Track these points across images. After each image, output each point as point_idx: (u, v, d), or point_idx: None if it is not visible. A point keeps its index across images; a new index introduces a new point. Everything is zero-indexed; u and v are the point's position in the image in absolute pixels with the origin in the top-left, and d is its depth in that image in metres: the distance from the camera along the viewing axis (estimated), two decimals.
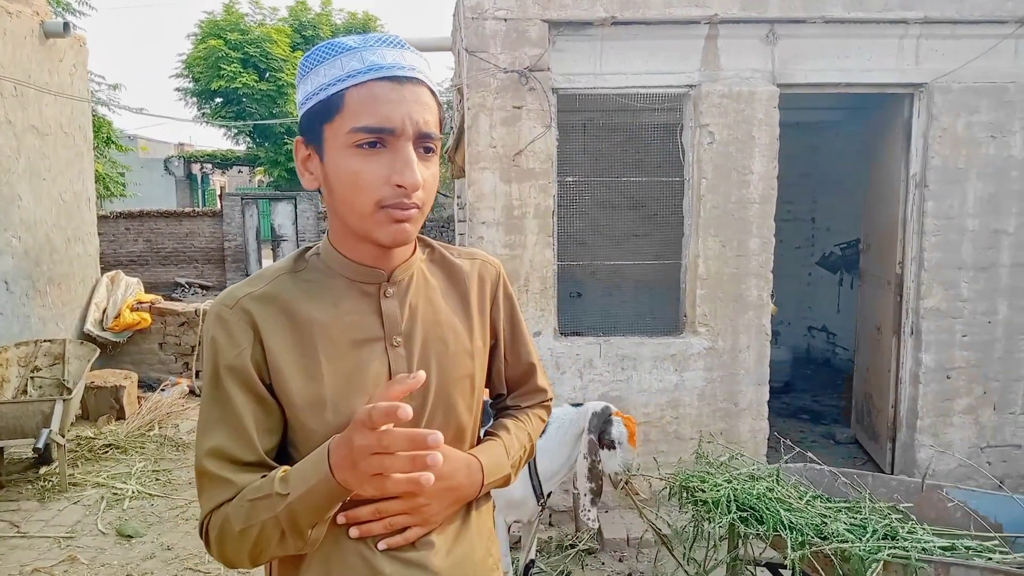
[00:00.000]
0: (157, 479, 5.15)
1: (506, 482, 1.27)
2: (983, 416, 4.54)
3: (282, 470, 1.03)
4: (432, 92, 1.09)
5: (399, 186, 1.02)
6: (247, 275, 16.28)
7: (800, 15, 4.22)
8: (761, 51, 4.30)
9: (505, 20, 4.19)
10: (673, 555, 3.50)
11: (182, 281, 16.06)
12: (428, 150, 1.07)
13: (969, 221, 4.43)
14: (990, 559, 2.66)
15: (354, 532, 1.10)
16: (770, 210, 4.36)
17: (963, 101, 4.36)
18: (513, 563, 3.58)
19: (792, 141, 6.85)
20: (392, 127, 1.02)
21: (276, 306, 1.10)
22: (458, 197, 8.27)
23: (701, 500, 3.01)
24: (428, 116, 1.05)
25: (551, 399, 1.46)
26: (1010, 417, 4.56)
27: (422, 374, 0.96)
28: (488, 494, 1.29)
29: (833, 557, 2.64)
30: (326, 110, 1.05)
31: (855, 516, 2.93)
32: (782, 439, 3.60)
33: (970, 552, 2.71)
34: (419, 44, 6.68)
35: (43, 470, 5.14)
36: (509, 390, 1.40)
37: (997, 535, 2.85)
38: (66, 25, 6.57)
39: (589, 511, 3.06)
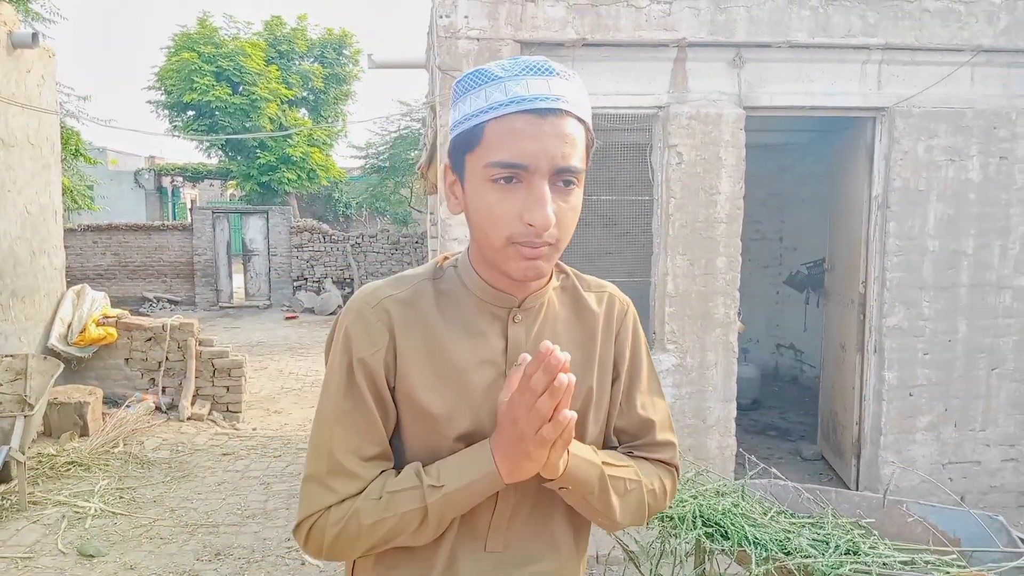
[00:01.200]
0: (121, 497, 5.05)
1: (592, 486, 1.14)
2: (944, 433, 4.64)
3: (417, 465, 1.09)
4: (580, 120, 1.04)
5: (530, 224, 1.00)
6: (216, 290, 16.19)
7: (766, 40, 4.33)
8: (728, 74, 4.40)
9: (478, 40, 4.24)
10: (640, 571, 3.51)
11: (150, 296, 15.83)
12: (568, 183, 1.03)
13: (930, 242, 4.55)
14: (947, 573, 2.72)
15: None
16: (737, 229, 4.44)
17: (923, 125, 4.50)
18: None
19: (760, 163, 6.99)
20: (526, 163, 1.00)
21: (414, 312, 1.12)
22: (431, 214, 8.29)
23: (667, 516, 3.04)
24: (567, 150, 1.01)
25: (676, 465, 1.29)
26: (970, 434, 4.66)
27: (548, 344, 0.94)
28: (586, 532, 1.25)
29: (796, 572, 2.68)
30: (468, 141, 1.04)
31: (818, 531, 2.98)
32: (747, 456, 3.65)
33: (929, 566, 2.77)
34: (394, 63, 6.72)
35: (1, 488, 5.01)
36: (621, 443, 1.27)
37: (955, 549, 2.92)
38: (34, 35, 6.49)
39: None
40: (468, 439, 1.10)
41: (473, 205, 1.06)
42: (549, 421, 0.95)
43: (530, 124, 0.99)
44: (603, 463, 1.14)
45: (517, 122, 1.00)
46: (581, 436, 1.17)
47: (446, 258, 1.21)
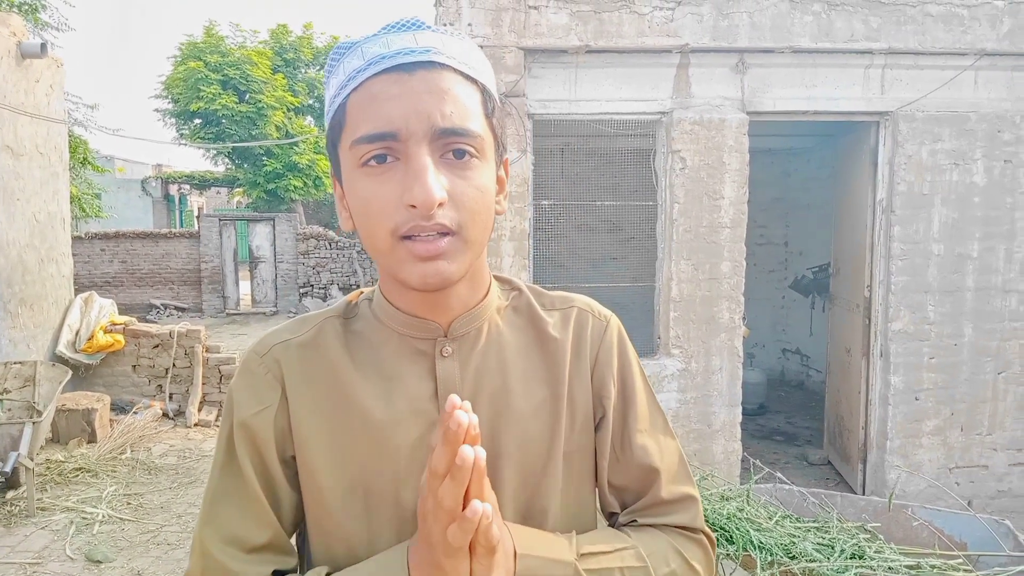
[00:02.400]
0: (128, 503, 5.07)
1: None
2: (951, 437, 4.63)
3: (322, 571, 0.85)
4: (468, 77, 0.81)
5: (411, 206, 0.76)
6: (223, 297, 16.24)
7: (769, 45, 4.34)
8: (731, 80, 4.41)
9: (481, 47, 4.26)
10: None
11: (157, 303, 15.90)
12: (460, 153, 0.79)
13: (934, 246, 4.55)
14: None
15: None
16: (741, 234, 4.44)
17: (927, 129, 4.50)
18: None
19: (765, 167, 7.00)
20: (392, 130, 0.77)
21: (315, 358, 0.90)
22: None
23: None
24: (448, 107, 0.77)
25: (703, 530, 0.96)
26: (977, 438, 4.65)
27: (456, 399, 0.68)
28: None
29: None
30: (334, 130, 0.84)
31: (823, 536, 2.97)
32: (752, 460, 3.65)
33: (935, 570, 2.76)
34: None
35: (10, 494, 5.04)
36: (623, 504, 0.97)
37: (961, 553, 2.91)
38: (43, 46, 6.56)
39: None
40: (391, 509, 0.86)
41: (353, 207, 0.83)
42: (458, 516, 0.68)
43: (393, 84, 0.78)
44: (580, 555, 0.84)
45: (376, 85, 0.78)
46: (542, 518, 0.90)
47: (361, 292, 0.98)
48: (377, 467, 0.86)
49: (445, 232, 0.78)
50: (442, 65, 0.79)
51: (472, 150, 0.79)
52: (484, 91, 0.83)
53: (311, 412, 0.88)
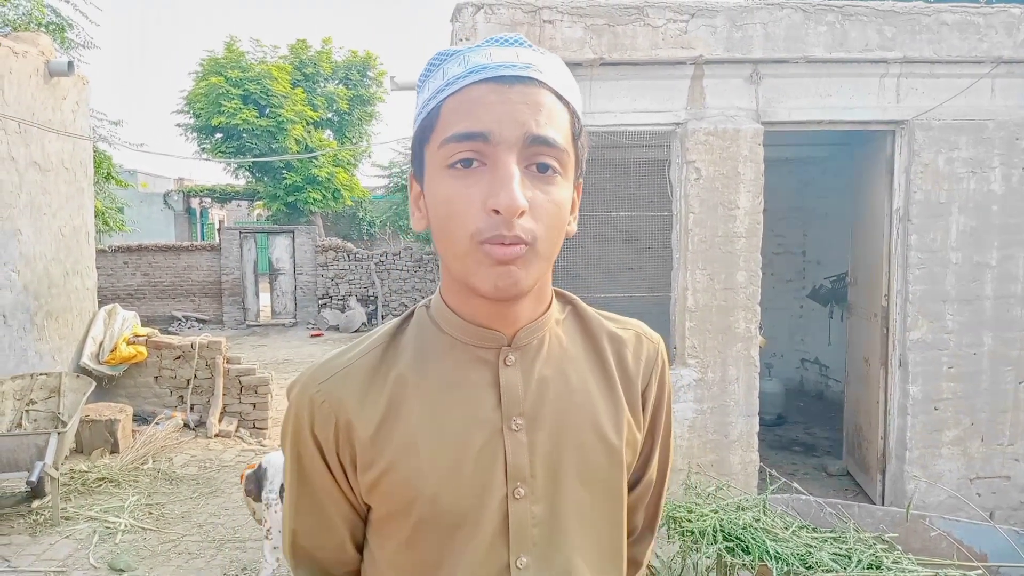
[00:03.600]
0: (150, 513, 5.14)
1: None
2: (971, 447, 4.58)
3: None
4: (560, 97, 0.84)
5: (495, 210, 0.78)
6: (244, 309, 16.40)
7: (783, 55, 4.35)
8: (745, 90, 4.43)
9: None
10: None
11: (179, 315, 16.09)
12: (544, 167, 0.81)
13: (952, 254, 4.52)
14: None
15: None
16: (756, 244, 4.45)
17: (943, 138, 4.48)
18: None
19: (782, 177, 6.99)
20: (486, 130, 0.79)
21: (368, 377, 0.91)
22: None
23: (688, 530, 3.04)
24: (541, 118, 0.80)
25: (645, 564, 1.09)
26: (998, 448, 4.59)
27: None
28: None
29: None
30: (424, 130, 0.86)
31: (840, 546, 2.96)
32: (768, 470, 3.64)
33: None
34: (416, 84, 6.84)
35: (35, 504, 5.13)
36: None
37: (981, 565, 2.88)
38: (70, 64, 6.71)
39: None
40: (455, 526, 0.88)
41: (432, 207, 0.85)
42: None
43: (492, 92, 0.80)
44: None
45: (476, 91, 0.81)
46: (612, 511, 0.94)
47: (415, 311, 0.99)
48: (442, 476, 0.87)
49: (521, 243, 0.80)
50: (540, 83, 0.82)
51: (556, 165, 0.82)
52: (573, 113, 0.86)
53: (376, 431, 0.88)
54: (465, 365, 0.90)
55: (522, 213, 0.78)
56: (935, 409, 4.55)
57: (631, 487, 1.00)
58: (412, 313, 0.97)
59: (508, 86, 0.81)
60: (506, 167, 0.79)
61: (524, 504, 0.87)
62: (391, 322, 0.97)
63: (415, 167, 0.89)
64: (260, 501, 3.54)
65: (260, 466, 3.58)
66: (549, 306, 0.94)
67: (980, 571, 2.82)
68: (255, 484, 3.54)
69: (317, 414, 0.90)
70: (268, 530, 3.51)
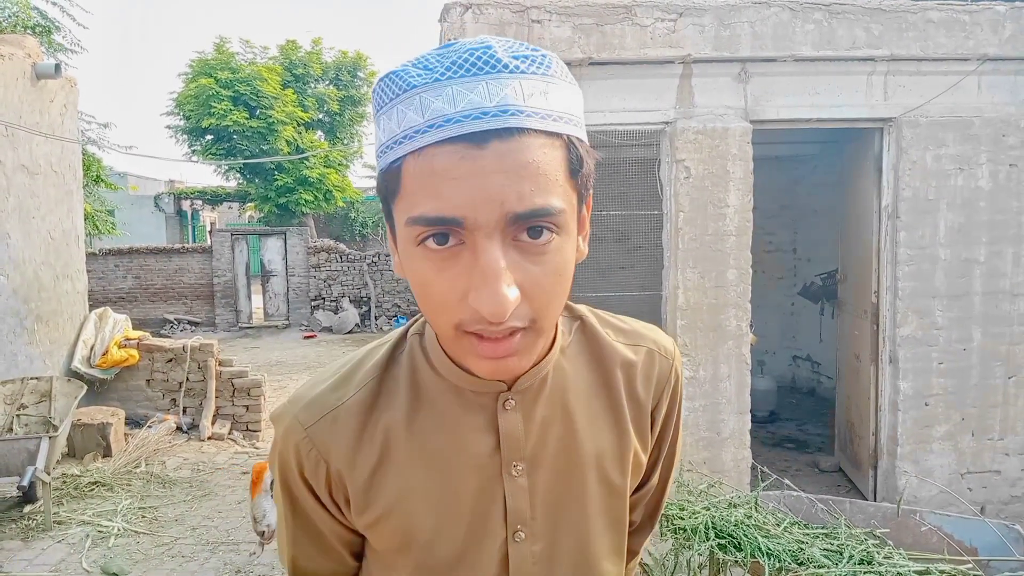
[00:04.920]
0: (143, 516, 5.13)
1: None
2: (962, 442, 4.61)
3: None
4: (550, 134, 0.68)
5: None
6: (236, 311, 16.35)
7: (771, 54, 4.37)
8: (734, 89, 4.44)
9: None
10: None
11: (171, 317, 16.04)
12: (537, 232, 0.68)
13: (941, 251, 4.55)
14: None
15: None
16: (746, 242, 4.46)
17: (931, 135, 4.51)
18: None
19: (772, 175, 7.01)
20: (457, 216, 0.66)
21: (359, 426, 0.84)
22: None
23: (680, 528, 3.05)
24: (525, 186, 0.66)
25: (638, 553, 1.08)
26: (988, 443, 4.63)
27: None
28: None
29: None
30: (386, 185, 0.72)
31: (832, 542, 2.98)
32: (760, 467, 3.65)
33: (944, 575, 2.76)
34: None
35: (27, 509, 5.11)
36: None
37: (971, 559, 2.90)
38: (57, 66, 6.68)
39: None
40: (451, 567, 0.85)
41: (409, 276, 0.74)
42: None
43: (460, 159, 0.66)
44: None
45: (439, 157, 0.66)
46: (614, 559, 0.92)
47: (408, 330, 0.91)
48: (439, 528, 0.84)
49: (517, 332, 0.70)
50: (519, 130, 0.66)
51: (551, 226, 0.69)
52: (569, 145, 0.70)
53: (368, 481, 0.84)
54: (461, 408, 0.83)
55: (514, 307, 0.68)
56: (926, 405, 4.57)
57: (633, 492, 0.97)
58: (404, 338, 0.89)
59: (479, 147, 0.65)
60: (487, 256, 0.66)
61: (524, 546, 0.85)
62: (382, 350, 0.88)
63: (385, 216, 0.77)
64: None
65: None
66: (553, 341, 0.85)
67: (970, 565, 2.84)
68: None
69: (305, 461, 0.84)
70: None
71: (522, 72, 0.68)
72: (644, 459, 0.93)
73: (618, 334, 0.92)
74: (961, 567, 2.78)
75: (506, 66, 0.67)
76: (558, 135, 0.69)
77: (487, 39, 0.70)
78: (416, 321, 0.91)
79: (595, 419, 0.88)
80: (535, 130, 0.67)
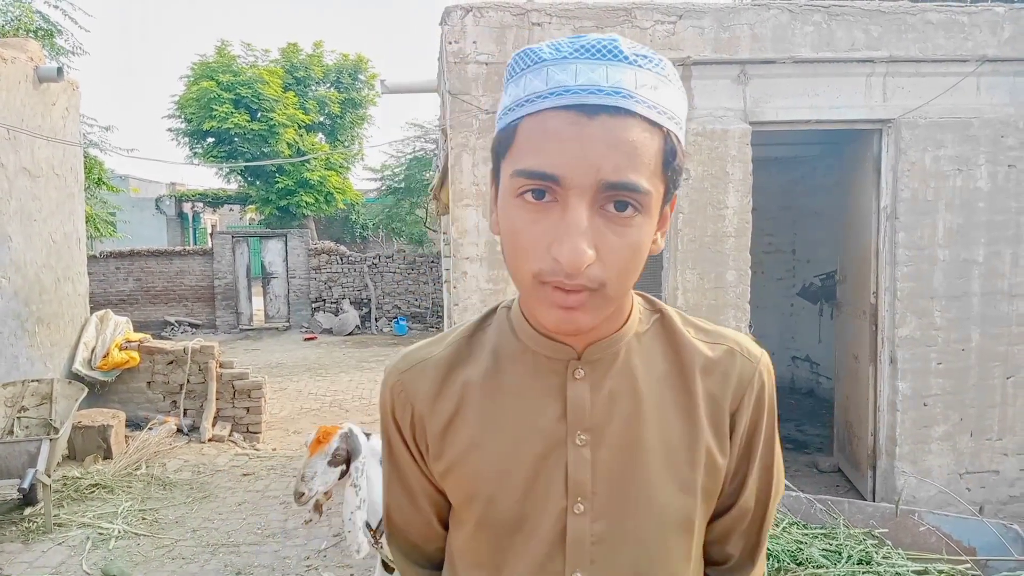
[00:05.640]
0: (144, 518, 5.13)
1: None
2: (960, 443, 4.62)
3: None
4: (654, 124, 0.76)
5: (556, 260, 0.74)
6: (237, 313, 16.37)
7: (770, 56, 4.39)
8: (733, 90, 4.46)
9: (486, 64, 4.33)
10: None
11: (172, 320, 16.06)
12: (623, 206, 0.75)
13: (940, 251, 4.56)
14: None
15: None
16: (745, 243, 4.47)
17: (930, 136, 4.52)
18: None
19: (772, 176, 7.03)
20: (557, 174, 0.73)
21: (447, 377, 0.93)
22: (444, 233, 8.38)
23: None
24: (620, 160, 0.73)
25: None
26: (987, 443, 4.63)
27: None
28: None
29: None
30: (501, 143, 0.81)
31: (831, 542, 2.99)
32: None
33: (942, 575, 2.77)
34: (406, 87, 6.85)
35: (28, 511, 5.12)
36: (708, 542, 0.97)
37: (969, 558, 2.91)
38: (59, 70, 6.70)
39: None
40: (513, 530, 0.89)
41: (502, 226, 0.81)
42: None
43: (570, 124, 0.74)
44: None
45: (552, 120, 0.74)
46: (681, 546, 0.89)
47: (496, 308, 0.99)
48: (501, 484, 0.88)
49: (585, 290, 0.76)
50: (627, 112, 0.74)
51: (636, 204, 0.75)
52: (667, 137, 0.77)
53: (443, 429, 0.92)
54: (534, 373, 0.89)
55: (588, 265, 0.74)
56: (924, 405, 4.58)
57: (721, 513, 0.94)
58: (495, 309, 0.97)
59: (589, 118, 0.73)
60: (574, 214, 0.74)
61: (583, 520, 0.86)
62: (475, 317, 0.99)
63: (494, 170, 0.84)
64: (339, 467, 3.08)
65: (351, 431, 3.13)
66: (628, 319, 0.90)
67: (968, 564, 2.85)
68: (347, 449, 3.09)
69: (397, 401, 0.95)
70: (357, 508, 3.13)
71: (639, 65, 0.75)
72: (721, 461, 0.90)
73: (699, 332, 0.94)
74: (959, 567, 2.79)
75: (626, 57, 0.75)
76: (659, 126, 0.76)
77: (617, 36, 0.78)
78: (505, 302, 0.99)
79: (665, 406, 0.88)
80: (640, 116, 0.74)
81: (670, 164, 0.78)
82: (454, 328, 0.99)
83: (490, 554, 0.91)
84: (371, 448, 3.16)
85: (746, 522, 0.95)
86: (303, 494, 2.95)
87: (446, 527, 1.01)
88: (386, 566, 3.46)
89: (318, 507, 3.18)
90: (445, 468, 0.92)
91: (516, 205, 0.77)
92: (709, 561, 0.97)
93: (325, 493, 3.11)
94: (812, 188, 7.79)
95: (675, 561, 0.89)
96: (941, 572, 2.79)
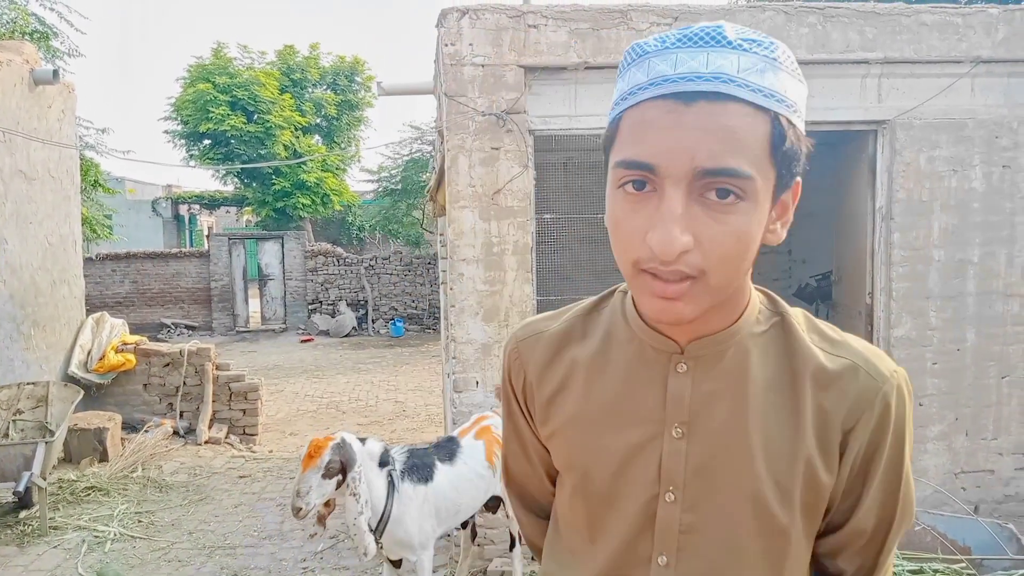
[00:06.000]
0: (139, 521, 5.13)
1: None
2: (956, 442, 4.63)
3: None
4: (757, 107, 0.74)
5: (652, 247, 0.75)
6: (233, 315, 16.36)
7: None
8: None
9: (483, 66, 4.34)
10: None
11: (168, 322, 16.03)
12: (724, 193, 0.74)
13: (935, 252, 4.57)
14: None
15: None
16: None
17: (925, 137, 4.53)
18: None
19: None
20: (652, 163, 0.74)
21: (558, 351, 0.97)
22: (441, 235, 8.38)
23: None
24: (716, 146, 0.72)
25: None
26: (982, 443, 4.64)
27: None
28: None
29: None
30: (607, 138, 0.83)
31: None
32: None
33: (938, 574, 2.77)
34: (403, 89, 6.85)
35: (23, 514, 5.11)
36: (820, 554, 0.92)
37: (964, 558, 2.92)
38: (55, 72, 6.70)
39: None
40: (605, 505, 0.91)
41: (607, 218, 0.83)
42: None
43: (667, 113, 0.74)
44: None
45: (650, 111, 0.75)
46: (772, 560, 0.87)
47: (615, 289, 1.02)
48: (596, 460, 0.91)
49: (684, 278, 0.76)
50: (727, 96, 0.73)
51: (738, 191, 0.74)
52: (775, 121, 0.75)
53: (549, 399, 0.96)
54: (640, 360, 0.90)
55: (684, 252, 0.74)
56: (920, 405, 4.59)
57: (833, 530, 0.90)
58: (613, 292, 0.99)
59: (686, 105, 0.73)
60: (669, 202, 0.74)
61: (673, 509, 0.87)
62: (594, 297, 1.01)
63: (604, 168, 0.85)
64: (334, 479, 3.06)
65: (344, 440, 3.11)
66: (740, 317, 0.87)
67: (964, 564, 2.85)
68: (341, 460, 3.06)
69: (513, 366, 1.01)
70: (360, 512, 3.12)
71: (744, 50, 0.74)
72: (825, 479, 0.85)
73: (823, 341, 0.89)
74: (954, 566, 2.80)
75: (731, 43, 0.74)
76: (765, 110, 0.74)
77: (723, 22, 0.77)
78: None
79: (769, 412, 0.85)
80: (742, 100, 0.73)
81: (779, 148, 0.76)
82: (574, 304, 1.02)
83: (586, 522, 0.94)
84: (368, 452, 3.17)
85: (861, 543, 0.90)
86: (300, 509, 2.97)
87: (554, 484, 1.06)
88: (392, 562, 3.47)
89: (321, 520, 3.19)
90: (549, 434, 0.97)
91: (618, 196, 0.79)
92: (823, 574, 0.94)
93: (326, 504, 3.12)
94: (807, 189, 7.70)
95: (762, 567, 0.87)
96: (936, 571, 2.79)
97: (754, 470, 0.84)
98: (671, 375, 0.87)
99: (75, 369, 6.96)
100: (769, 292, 0.93)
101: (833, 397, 0.84)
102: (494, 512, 3.90)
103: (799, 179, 0.83)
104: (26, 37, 8.58)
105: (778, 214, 0.83)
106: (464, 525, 3.87)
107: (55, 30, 9.86)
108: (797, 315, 0.91)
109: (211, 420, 7.27)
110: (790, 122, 0.76)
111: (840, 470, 0.85)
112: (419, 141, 18.24)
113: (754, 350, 0.87)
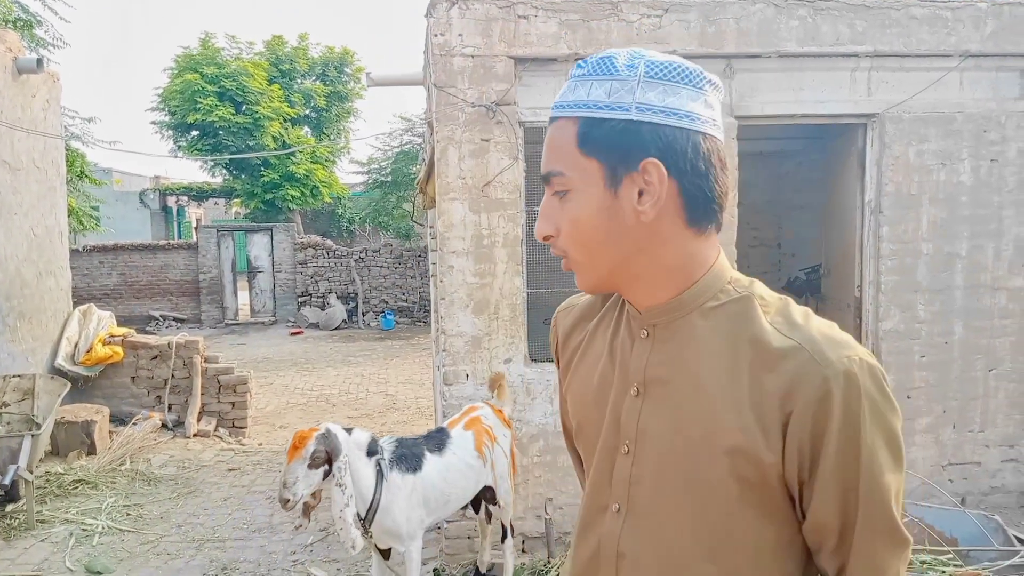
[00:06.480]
0: (128, 514, 5.10)
1: None
2: (943, 435, 4.66)
3: None
4: (569, 119, 0.92)
5: None
6: (222, 308, 16.27)
7: (756, 50, 4.39)
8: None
9: (472, 57, 4.31)
10: None
11: (156, 314, 15.93)
12: (560, 192, 0.94)
13: (923, 245, 4.59)
14: (944, 572, 2.75)
15: None
16: (731, 237, 4.49)
17: (914, 130, 4.55)
18: None
19: (757, 170, 7.04)
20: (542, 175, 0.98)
21: (581, 321, 1.14)
22: (431, 227, 8.36)
23: None
24: (547, 156, 0.95)
25: None
26: (969, 435, 4.68)
27: None
28: None
29: None
30: None
31: None
32: None
33: (925, 566, 2.80)
34: (392, 80, 6.81)
35: (10, 507, 5.07)
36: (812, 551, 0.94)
37: (951, 549, 2.94)
38: (39, 61, 6.61)
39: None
40: (588, 457, 1.07)
41: None
42: None
43: (548, 134, 0.97)
44: None
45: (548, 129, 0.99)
46: (725, 502, 0.90)
47: None
48: (585, 413, 1.08)
49: (562, 254, 0.99)
50: (559, 117, 0.94)
51: (562, 186, 0.94)
52: (578, 122, 0.92)
53: (568, 361, 1.14)
54: (627, 330, 1.03)
55: (548, 237, 0.97)
56: (908, 398, 4.62)
57: (805, 521, 0.90)
58: None
59: (551, 125, 0.96)
60: (544, 200, 0.97)
61: (627, 461, 0.98)
62: None
63: None
64: (320, 469, 3.04)
65: (329, 430, 3.08)
66: (683, 292, 0.94)
67: (950, 555, 2.88)
68: (326, 449, 3.04)
69: (552, 332, 1.20)
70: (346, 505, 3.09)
71: (598, 74, 0.92)
72: (767, 457, 0.86)
73: (785, 323, 0.90)
74: (941, 557, 2.82)
75: (605, 72, 0.92)
76: (575, 120, 0.92)
77: (639, 52, 0.93)
78: None
79: (709, 377, 0.91)
80: (566, 116, 0.94)
81: (586, 142, 0.91)
82: None
83: (587, 471, 1.07)
84: (354, 442, 3.16)
85: (832, 542, 0.88)
86: (288, 500, 2.97)
87: None
88: (381, 552, 3.47)
89: (307, 511, 3.18)
90: (566, 391, 1.14)
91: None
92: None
93: (313, 495, 3.12)
94: (797, 182, 7.82)
95: (701, 523, 0.91)
96: (924, 563, 2.82)
97: (687, 432, 0.91)
98: (636, 340, 0.99)
99: (62, 362, 6.90)
100: (756, 280, 0.97)
101: (774, 376, 0.86)
102: (476, 511, 3.90)
103: (652, 160, 0.89)
104: (9, 25, 8.47)
105: (638, 195, 0.91)
106: (476, 510, 3.87)
107: (39, 18, 9.74)
108: (771, 299, 0.94)
109: (200, 413, 7.23)
110: (602, 119, 0.90)
111: (787, 452, 0.85)
112: (409, 133, 18.17)
113: (703, 322, 0.94)
